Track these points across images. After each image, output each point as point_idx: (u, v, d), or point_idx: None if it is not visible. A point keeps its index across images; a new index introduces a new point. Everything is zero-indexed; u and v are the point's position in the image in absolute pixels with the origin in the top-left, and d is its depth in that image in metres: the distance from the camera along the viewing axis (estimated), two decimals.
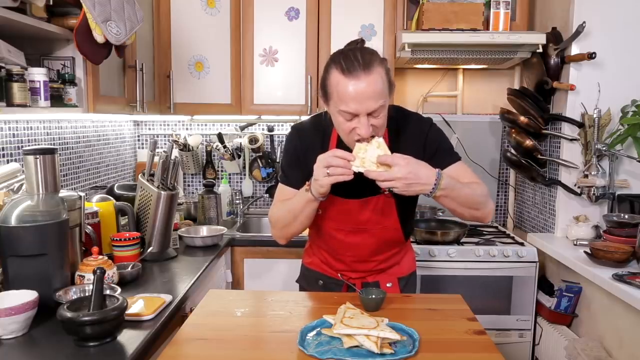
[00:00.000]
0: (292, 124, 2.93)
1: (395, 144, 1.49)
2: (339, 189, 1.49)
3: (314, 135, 1.53)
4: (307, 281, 1.72)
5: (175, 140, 2.80)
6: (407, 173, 1.28)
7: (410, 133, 1.51)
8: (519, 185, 2.92)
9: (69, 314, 1.20)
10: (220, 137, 2.89)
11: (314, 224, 1.59)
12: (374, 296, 1.39)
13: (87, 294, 1.36)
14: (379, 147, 1.33)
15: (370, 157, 1.32)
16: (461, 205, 1.41)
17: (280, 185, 1.59)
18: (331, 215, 1.54)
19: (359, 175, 1.49)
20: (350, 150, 1.41)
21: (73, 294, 1.41)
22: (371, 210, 1.52)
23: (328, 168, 1.31)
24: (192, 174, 3.04)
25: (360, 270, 1.62)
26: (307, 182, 1.41)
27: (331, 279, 1.65)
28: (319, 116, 1.56)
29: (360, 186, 1.45)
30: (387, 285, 1.62)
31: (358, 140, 1.35)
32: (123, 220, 2.03)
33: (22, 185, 1.65)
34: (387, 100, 1.36)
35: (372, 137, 1.35)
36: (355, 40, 1.43)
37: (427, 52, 2.49)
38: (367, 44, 1.43)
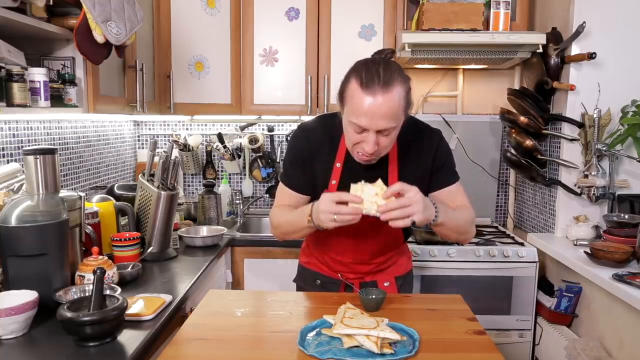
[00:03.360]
0: (292, 124, 2.97)
1: (405, 156, 1.49)
2: None
3: (323, 138, 1.51)
4: (305, 281, 1.72)
5: (175, 140, 2.80)
6: (420, 195, 1.27)
7: (420, 145, 1.50)
8: (519, 185, 2.92)
9: (69, 314, 1.20)
10: (220, 137, 2.89)
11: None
12: (374, 296, 1.39)
13: (87, 294, 1.36)
14: (375, 186, 1.30)
15: (368, 196, 1.29)
16: (452, 231, 1.45)
17: (280, 184, 1.59)
18: None
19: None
20: (351, 158, 1.42)
21: (73, 294, 1.41)
22: (376, 219, 1.51)
23: (334, 214, 1.29)
24: (192, 174, 3.04)
25: (359, 272, 1.62)
26: (308, 214, 1.38)
27: (329, 278, 1.65)
28: (329, 118, 1.53)
29: None
30: (385, 284, 1.62)
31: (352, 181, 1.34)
32: (123, 220, 2.03)
33: (22, 185, 1.65)
34: (400, 121, 1.34)
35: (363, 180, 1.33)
36: (384, 49, 1.41)
37: (427, 52, 2.49)
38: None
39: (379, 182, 1.31)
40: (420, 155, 1.49)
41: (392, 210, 1.25)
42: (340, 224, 1.30)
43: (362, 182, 1.32)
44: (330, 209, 1.29)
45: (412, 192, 1.26)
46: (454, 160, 1.55)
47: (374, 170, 1.47)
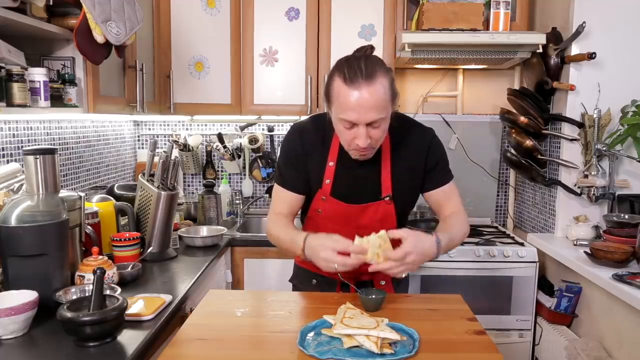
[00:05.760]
0: (292, 124, 2.96)
1: (398, 153, 1.49)
2: (340, 194, 1.49)
3: (315, 138, 1.52)
4: (301, 280, 1.72)
5: (175, 141, 2.80)
6: (420, 251, 1.30)
7: (412, 143, 1.51)
8: (519, 185, 2.92)
9: (69, 314, 1.20)
10: (220, 137, 2.89)
11: (311, 223, 1.59)
12: (374, 296, 1.39)
13: (87, 294, 1.36)
14: (378, 237, 1.30)
15: (372, 247, 1.29)
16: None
17: (276, 186, 1.58)
18: (331, 217, 1.54)
19: (360, 182, 1.49)
20: (347, 154, 1.43)
21: (73, 294, 1.41)
22: (371, 216, 1.52)
23: (337, 264, 1.30)
24: (192, 174, 3.04)
25: (356, 270, 1.62)
26: (301, 248, 1.39)
27: (325, 278, 1.65)
28: (321, 117, 1.53)
29: (361, 192, 1.46)
30: (381, 283, 1.62)
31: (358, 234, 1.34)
32: (123, 221, 2.03)
33: (22, 185, 1.65)
34: (388, 112, 1.34)
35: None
36: (364, 47, 1.41)
37: (427, 52, 2.49)
38: (367, 44, 1.43)
39: (382, 232, 1.31)
40: (413, 152, 1.50)
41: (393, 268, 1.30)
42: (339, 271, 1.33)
43: (366, 237, 1.32)
44: (334, 259, 1.30)
45: (413, 252, 1.29)
46: (447, 158, 1.55)
47: (367, 168, 1.48)
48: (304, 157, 1.52)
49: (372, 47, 1.42)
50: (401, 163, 1.50)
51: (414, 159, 1.50)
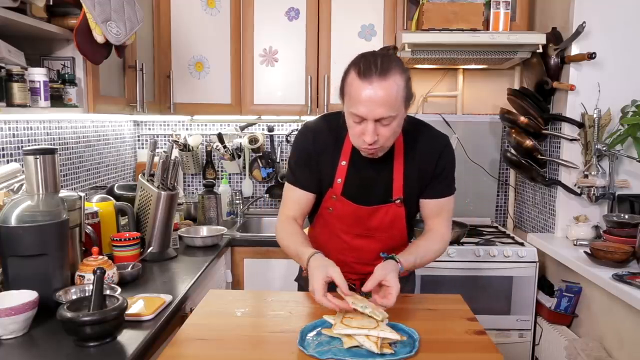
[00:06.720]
0: (292, 123, 2.97)
1: (410, 155, 1.49)
2: (350, 194, 1.49)
3: (328, 137, 1.51)
4: (306, 280, 1.71)
5: (175, 141, 2.80)
6: (397, 290, 1.29)
7: (425, 147, 1.50)
8: (519, 185, 2.92)
9: (69, 314, 1.20)
10: (220, 137, 2.89)
11: (321, 222, 1.59)
12: None
13: (87, 294, 1.36)
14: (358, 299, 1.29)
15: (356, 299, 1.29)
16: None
17: (287, 185, 1.57)
18: (341, 217, 1.54)
19: (371, 183, 1.48)
20: (359, 154, 1.43)
21: (73, 294, 1.41)
22: (381, 218, 1.52)
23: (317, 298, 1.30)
24: (192, 174, 3.04)
25: (361, 272, 1.62)
26: (305, 269, 1.40)
27: None
28: (334, 117, 1.52)
29: (371, 193, 1.45)
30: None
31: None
32: (123, 221, 2.03)
33: (22, 185, 1.65)
34: (401, 111, 1.33)
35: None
36: (387, 47, 1.42)
37: (427, 52, 2.49)
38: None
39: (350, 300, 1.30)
40: (425, 156, 1.49)
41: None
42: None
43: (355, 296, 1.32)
44: (321, 300, 1.28)
45: (395, 290, 1.28)
46: (454, 170, 1.54)
47: (379, 168, 1.48)
48: (316, 157, 1.51)
49: (394, 48, 1.42)
50: (413, 166, 1.49)
51: (425, 162, 1.49)
